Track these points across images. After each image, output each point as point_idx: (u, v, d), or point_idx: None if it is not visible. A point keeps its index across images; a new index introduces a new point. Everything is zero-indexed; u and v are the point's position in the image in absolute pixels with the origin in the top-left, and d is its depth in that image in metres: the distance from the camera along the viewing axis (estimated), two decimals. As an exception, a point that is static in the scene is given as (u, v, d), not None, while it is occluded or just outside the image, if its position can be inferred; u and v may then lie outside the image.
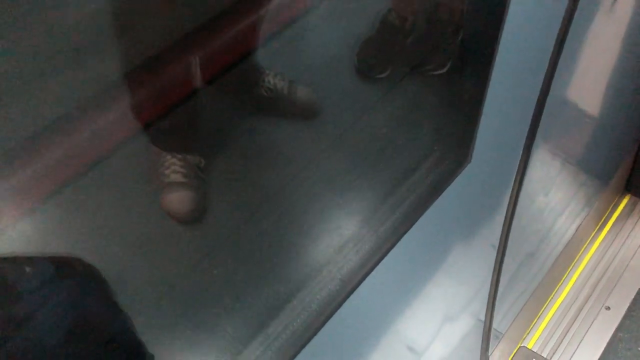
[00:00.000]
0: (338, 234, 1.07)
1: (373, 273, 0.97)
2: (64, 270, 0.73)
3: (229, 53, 1.04)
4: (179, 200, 1.06)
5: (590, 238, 1.98)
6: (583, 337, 1.69)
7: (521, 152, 1.24)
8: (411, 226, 1.00)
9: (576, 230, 1.84)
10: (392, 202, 1.02)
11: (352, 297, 0.94)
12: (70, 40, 0.78)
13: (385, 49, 1.28)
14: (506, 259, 1.44)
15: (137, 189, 1.06)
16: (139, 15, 0.90)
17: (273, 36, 1.15)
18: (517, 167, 1.26)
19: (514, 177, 1.28)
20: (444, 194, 1.05)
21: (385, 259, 0.98)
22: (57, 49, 0.78)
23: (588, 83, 1.51)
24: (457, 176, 1.06)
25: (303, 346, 0.88)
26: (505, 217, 1.35)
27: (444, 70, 1.25)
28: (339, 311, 0.92)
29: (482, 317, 1.54)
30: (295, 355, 0.87)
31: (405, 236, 1.00)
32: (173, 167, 1.07)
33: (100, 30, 0.83)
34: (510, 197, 1.31)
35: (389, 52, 1.28)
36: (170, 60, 0.93)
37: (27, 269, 0.69)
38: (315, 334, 0.89)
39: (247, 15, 1.06)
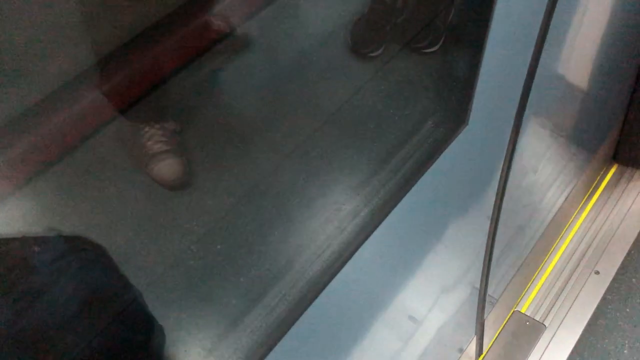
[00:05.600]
0: (335, 208, 1.06)
1: (369, 241, 0.97)
2: (73, 245, 0.74)
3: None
4: (168, 168, 1.05)
5: (580, 207, 1.99)
6: (574, 301, 1.71)
7: (513, 122, 1.26)
8: (410, 188, 1.00)
9: (566, 200, 1.85)
10: (392, 164, 1.02)
11: (347, 266, 0.94)
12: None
13: (378, 27, 1.28)
14: (499, 229, 1.45)
15: (122, 167, 1.04)
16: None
17: (264, 15, 1.16)
18: (509, 137, 1.27)
19: (506, 147, 1.29)
20: (443, 156, 1.05)
21: (382, 227, 0.98)
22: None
23: (576, 56, 1.51)
24: (455, 137, 1.06)
25: (300, 315, 0.88)
26: (498, 187, 1.36)
27: (436, 47, 1.26)
28: (333, 282, 0.92)
29: (478, 285, 1.55)
30: (292, 324, 0.87)
31: (404, 201, 1.00)
32: (154, 137, 1.06)
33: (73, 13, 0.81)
34: (503, 167, 1.31)
35: (382, 30, 1.28)
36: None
37: (37, 247, 0.70)
38: (310, 303, 0.89)
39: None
